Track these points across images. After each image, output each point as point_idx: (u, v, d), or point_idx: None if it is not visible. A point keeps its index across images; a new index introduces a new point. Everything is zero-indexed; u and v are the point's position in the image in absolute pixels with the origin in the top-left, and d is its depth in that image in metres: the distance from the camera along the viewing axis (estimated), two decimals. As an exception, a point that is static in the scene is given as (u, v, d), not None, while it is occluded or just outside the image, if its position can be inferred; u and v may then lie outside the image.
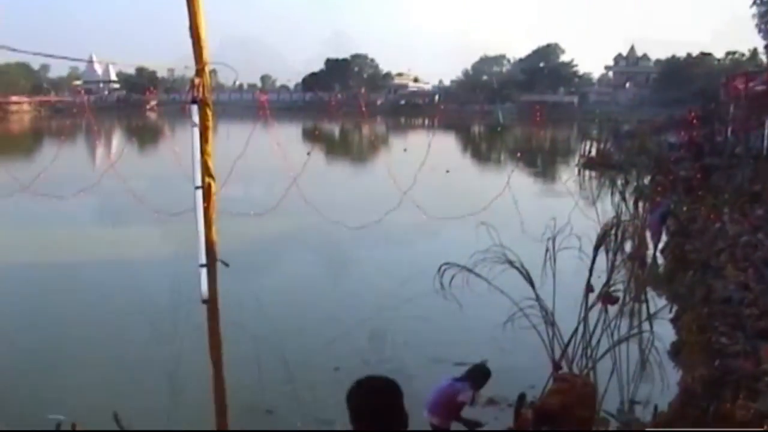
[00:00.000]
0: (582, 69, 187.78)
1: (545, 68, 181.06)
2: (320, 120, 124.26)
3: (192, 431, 11.88)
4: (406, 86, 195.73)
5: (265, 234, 28.60)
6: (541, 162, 68.13)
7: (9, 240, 27.74)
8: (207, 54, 6.48)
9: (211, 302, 6.64)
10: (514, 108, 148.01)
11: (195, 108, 6.44)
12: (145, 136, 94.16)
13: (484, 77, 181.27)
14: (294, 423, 13.52)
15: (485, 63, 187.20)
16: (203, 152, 6.45)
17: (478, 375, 11.87)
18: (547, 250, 12.50)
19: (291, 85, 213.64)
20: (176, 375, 15.38)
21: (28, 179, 11.97)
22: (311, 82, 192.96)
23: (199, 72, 6.48)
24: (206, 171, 6.46)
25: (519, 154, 61.37)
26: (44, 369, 16.49)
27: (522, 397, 12.25)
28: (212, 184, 6.50)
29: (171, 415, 13.58)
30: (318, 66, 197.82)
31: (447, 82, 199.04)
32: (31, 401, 14.46)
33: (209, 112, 6.52)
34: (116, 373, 16.07)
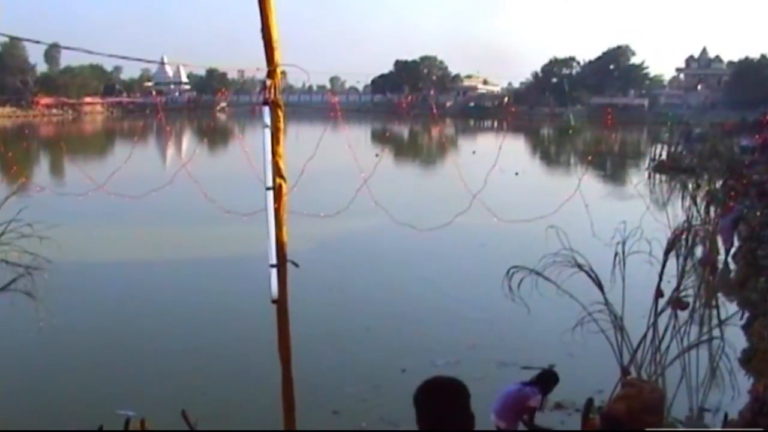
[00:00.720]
0: (653, 71, 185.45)
1: (615, 70, 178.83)
2: (389, 122, 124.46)
3: (259, 431, 11.99)
4: (475, 88, 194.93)
5: (334, 235, 28.73)
6: (611, 165, 67.48)
7: (83, 238, 28.19)
8: (279, 55, 6.52)
9: (281, 302, 6.68)
10: (584, 110, 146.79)
11: (266, 109, 6.48)
12: (215, 136, 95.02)
13: (554, 79, 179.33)
14: (359, 423, 13.56)
15: (554, 65, 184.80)
16: (274, 153, 6.49)
17: (548, 380, 11.82)
18: (616, 254, 12.38)
19: (360, 86, 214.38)
20: (245, 374, 15.55)
21: (101, 178, 12.15)
22: (380, 83, 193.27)
23: (271, 73, 6.52)
24: (277, 172, 6.50)
25: (589, 157, 60.85)
26: (116, 365, 16.75)
27: (590, 402, 12.14)
28: (283, 185, 6.54)
29: (239, 413, 13.73)
30: (387, 67, 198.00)
31: (516, 84, 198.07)
32: (101, 397, 14.67)
33: (281, 114, 6.55)
34: (187, 371, 16.25)
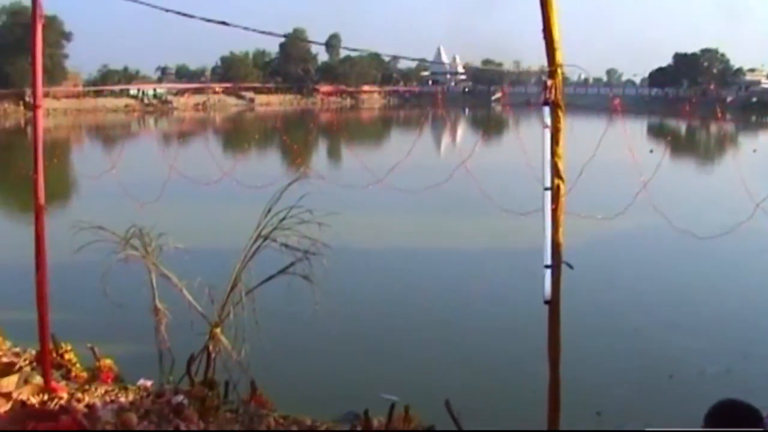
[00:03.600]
0: None
1: None
2: (665, 116, 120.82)
3: (523, 431, 12.00)
4: (758, 83, 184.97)
5: (607, 236, 28.00)
6: None
7: (361, 226, 28.92)
8: (560, 55, 6.51)
9: (553, 303, 6.67)
10: None
11: (547, 110, 6.49)
12: (491, 129, 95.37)
13: None
14: (622, 427, 13.31)
15: None
16: (554, 154, 6.48)
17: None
18: None
19: (637, 79, 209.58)
20: (510, 369, 15.62)
21: (379, 169, 12.54)
22: (658, 77, 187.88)
23: (552, 73, 6.51)
24: (556, 173, 6.49)
25: None
26: (382, 350, 17.28)
27: None
28: (561, 185, 6.52)
29: (502, 408, 13.82)
30: (665, 60, 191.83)
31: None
32: (367, 380, 15.17)
33: (561, 114, 6.54)
34: (451, 362, 16.50)
